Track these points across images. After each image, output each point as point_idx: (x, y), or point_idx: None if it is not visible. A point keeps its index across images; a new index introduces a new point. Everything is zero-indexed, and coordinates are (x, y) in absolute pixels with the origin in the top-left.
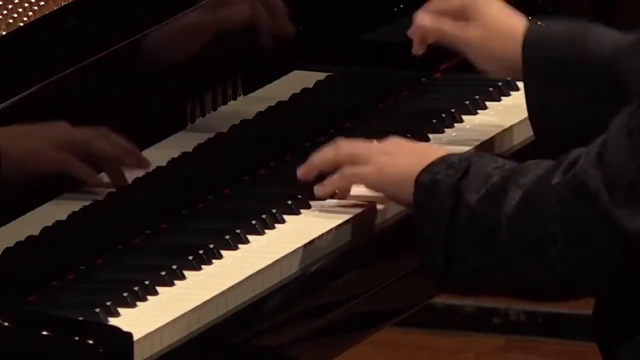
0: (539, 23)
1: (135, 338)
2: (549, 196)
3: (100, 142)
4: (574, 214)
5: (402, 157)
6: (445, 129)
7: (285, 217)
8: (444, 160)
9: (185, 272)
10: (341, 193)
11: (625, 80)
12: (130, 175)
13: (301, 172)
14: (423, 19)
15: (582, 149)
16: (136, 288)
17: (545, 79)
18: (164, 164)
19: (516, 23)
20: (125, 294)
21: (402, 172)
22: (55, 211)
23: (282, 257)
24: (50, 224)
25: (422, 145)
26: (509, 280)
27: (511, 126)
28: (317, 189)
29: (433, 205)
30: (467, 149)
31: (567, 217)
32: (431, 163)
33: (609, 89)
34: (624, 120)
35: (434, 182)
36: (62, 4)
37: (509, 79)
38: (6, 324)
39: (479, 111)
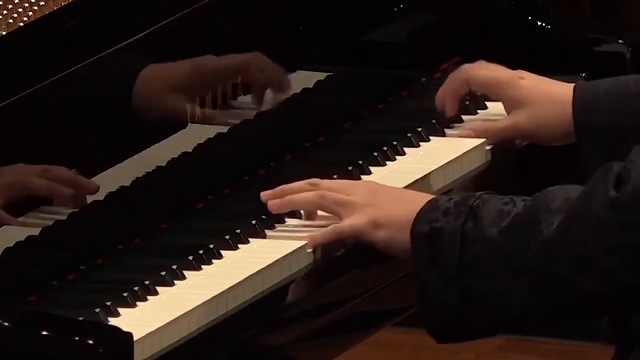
0: (583, 85)
1: (135, 338)
2: (606, 209)
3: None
4: (634, 225)
5: (388, 204)
6: (446, 130)
7: (285, 217)
8: (436, 207)
9: (185, 272)
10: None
11: None
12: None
13: (274, 205)
14: (469, 133)
15: (619, 163)
16: (136, 288)
17: (602, 146)
18: (164, 164)
19: (552, 87)
20: (125, 294)
21: (395, 222)
22: (55, 211)
23: (282, 257)
24: (50, 224)
25: (401, 190)
26: (537, 306)
27: None
28: (310, 242)
29: (437, 252)
30: (467, 147)
31: (629, 227)
32: (422, 210)
33: None
34: None
35: (433, 230)
36: (62, 4)
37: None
38: (6, 324)
39: (479, 111)
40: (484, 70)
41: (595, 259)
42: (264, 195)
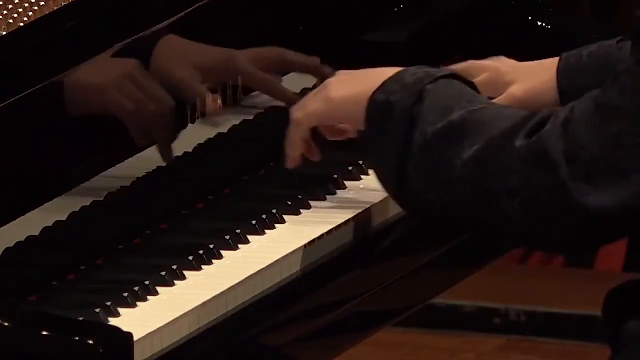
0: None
1: (135, 338)
2: (511, 154)
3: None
4: (534, 177)
5: (353, 81)
6: None
7: (285, 217)
8: (400, 78)
9: (185, 272)
10: (309, 151)
11: None
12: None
13: (289, 164)
14: None
15: (552, 109)
16: (136, 288)
17: None
18: (164, 164)
19: (541, 61)
20: (125, 294)
21: (355, 94)
22: (55, 211)
23: (282, 257)
24: (50, 224)
25: (374, 69)
26: (461, 218)
27: None
28: (287, 163)
29: (388, 125)
30: None
31: (527, 178)
32: (387, 80)
33: None
34: (596, 93)
35: (388, 102)
36: (62, 4)
37: None
38: (6, 324)
39: None
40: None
41: (497, 197)
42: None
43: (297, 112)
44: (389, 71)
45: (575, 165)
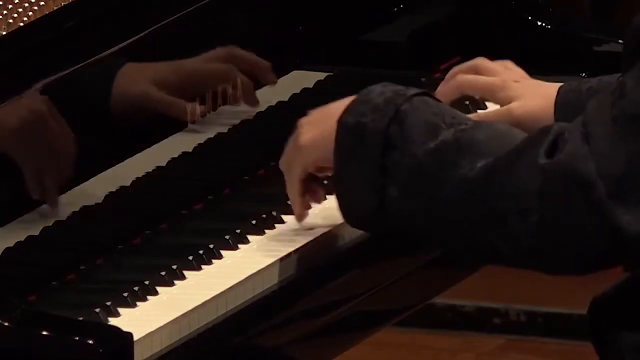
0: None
1: (135, 338)
2: (531, 173)
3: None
4: (560, 196)
5: (319, 120)
6: None
7: (284, 217)
8: (367, 100)
9: (185, 272)
10: (313, 197)
11: None
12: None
13: (297, 220)
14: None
15: (559, 126)
16: (136, 288)
17: None
18: (164, 164)
19: (542, 84)
20: (125, 294)
21: (321, 133)
22: (55, 211)
23: (282, 257)
24: (50, 224)
25: (337, 102)
26: (454, 240)
27: None
28: (296, 219)
29: (360, 149)
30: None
31: (550, 197)
32: (353, 101)
33: None
34: (606, 102)
35: (359, 125)
36: (62, 4)
37: None
38: (6, 324)
39: (479, 111)
40: (478, 76)
41: (506, 217)
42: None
43: (282, 165)
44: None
45: (609, 183)
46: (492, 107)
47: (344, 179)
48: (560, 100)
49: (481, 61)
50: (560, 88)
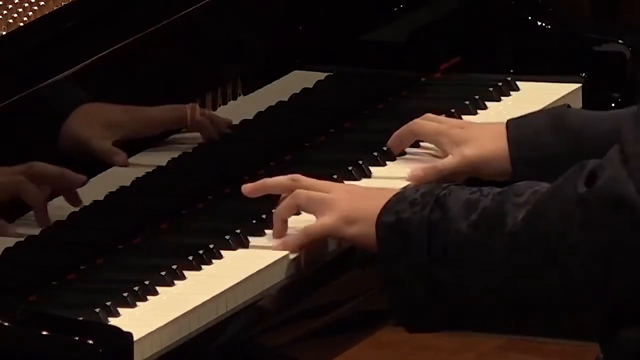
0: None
1: (135, 338)
2: (569, 207)
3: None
4: (603, 222)
5: (361, 201)
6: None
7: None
8: (403, 198)
9: (185, 272)
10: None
11: None
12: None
13: (247, 188)
14: (418, 175)
15: (595, 161)
16: (136, 288)
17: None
18: (164, 164)
19: (491, 125)
20: (125, 294)
21: (366, 216)
22: (55, 211)
23: (282, 257)
24: (50, 224)
25: (379, 189)
26: (510, 297)
27: None
28: (280, 246)
29: (403, 244)
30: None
31: (593, 225)
32: (389, 202)
33: None
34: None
35: (400, 221)
36: (62, 4)
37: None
38: (6, 324)
39: (479, 111)
40: (429, 123)
41: (557, 255)
42: (245, 187)
43: (298, 195)
44: (387, 192)
45: None
46: (492, 108)
47: (392, 276)
48: (511, 135)
49: (428, 115)
50: (507, 123)
